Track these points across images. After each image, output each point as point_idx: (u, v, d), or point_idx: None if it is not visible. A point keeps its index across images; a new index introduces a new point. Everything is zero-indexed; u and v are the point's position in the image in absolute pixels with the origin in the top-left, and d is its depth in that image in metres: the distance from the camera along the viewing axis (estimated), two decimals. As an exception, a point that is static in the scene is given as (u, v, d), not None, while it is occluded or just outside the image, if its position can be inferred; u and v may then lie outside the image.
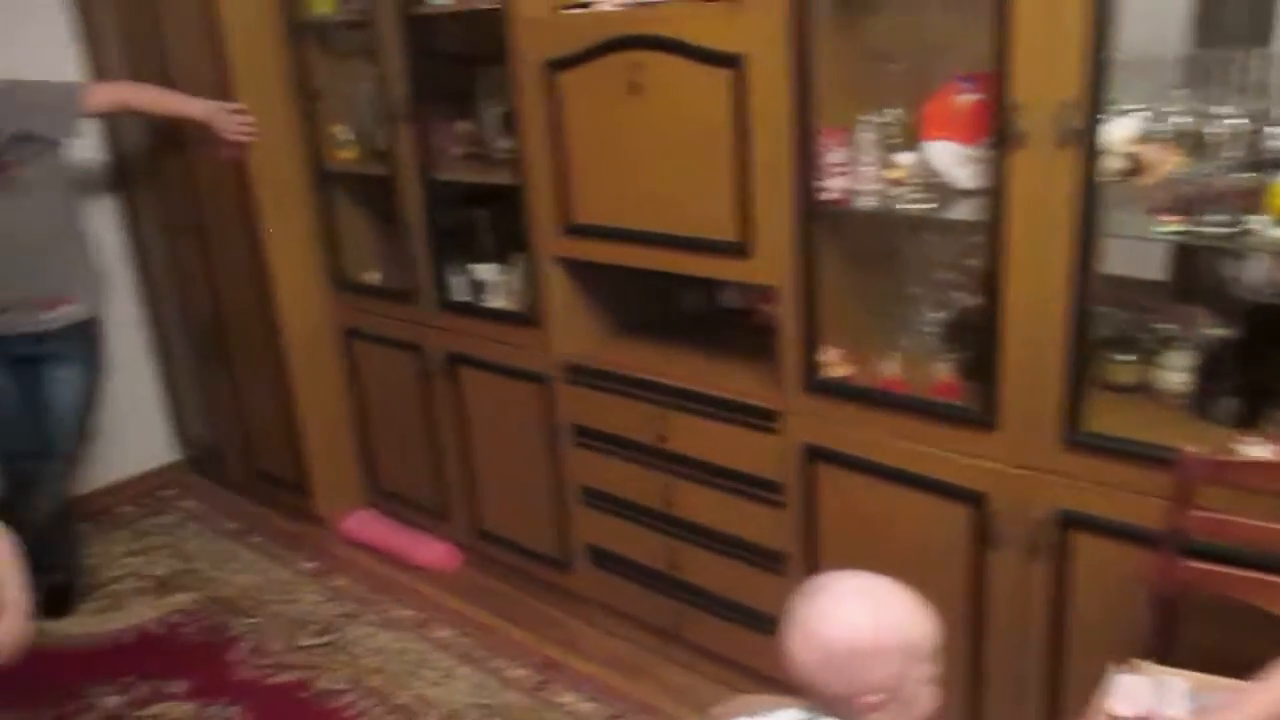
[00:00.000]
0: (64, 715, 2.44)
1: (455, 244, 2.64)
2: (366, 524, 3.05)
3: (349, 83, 2.78)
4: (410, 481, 2.97)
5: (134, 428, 3.52)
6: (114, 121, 3.12)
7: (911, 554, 1.85)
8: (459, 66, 2.59)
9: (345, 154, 2.79)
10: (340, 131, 2.78)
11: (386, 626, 2.68)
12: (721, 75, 1.89)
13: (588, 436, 2.41)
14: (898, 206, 1.83)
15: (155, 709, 2.45)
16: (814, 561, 2.04)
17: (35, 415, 2.76)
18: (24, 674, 2.59)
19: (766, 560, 2.15)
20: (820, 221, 1.89)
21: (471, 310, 2.59)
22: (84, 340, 2.81)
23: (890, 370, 1.93)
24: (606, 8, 2.12)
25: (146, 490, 3.53)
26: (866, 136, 1.82)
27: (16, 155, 2.57)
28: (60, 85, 2.78)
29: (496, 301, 2.56)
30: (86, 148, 2.98)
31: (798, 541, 2.08)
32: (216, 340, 3.20)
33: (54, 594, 2.88)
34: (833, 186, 1.86)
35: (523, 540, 2.69)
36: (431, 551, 2.89)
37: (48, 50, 3.11)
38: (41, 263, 2.68)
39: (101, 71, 3.17)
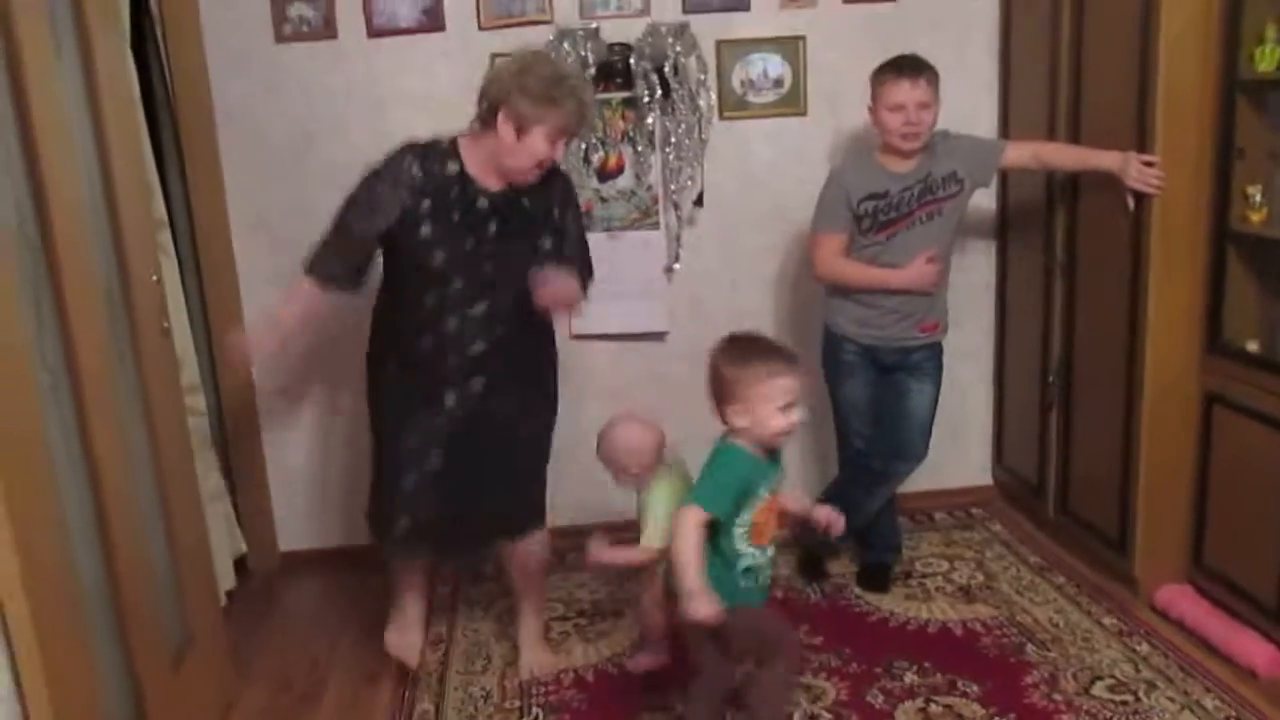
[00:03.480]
0: (873, 676, 2.76)
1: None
2: (1182, 599, 2.89)
3: (1276, 142, 2.65)
4: (1244, 569, 2.74)
5: (959, 446, 3.80)
6: (1011, 174, 3.40)
7: None
8: None
9: (1255, 216, 2.67)
10: (1254, 192, 2.67)
11: (1190, 709, 2.52)
12: None
13: None
14: None
15: (948, 700, 2.63)
16: None
17: (895, 420, 3.13)
18: (849, 630, 3.00)
19: None
20: None
21: (1379, 401, 2.31)
22: (937, 360, 3.14)
23: None
24: None
25: (959, 504, 3.80)
26: None
27: (945, 191, 2.95)
28: (985, 140, 3.16)
29: None
30: (981, 196, 3.28)
31: None
32: (1061, 380, 3.30)
33: (877, 570, 3.26)
34: None
35: (1383, 673, 2.33)
36: (1255, 650, 2.64)
37: (970, 106, 3.50)
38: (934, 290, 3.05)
39: (1013, 122, 3.48)
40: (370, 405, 2.76)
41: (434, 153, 2.54)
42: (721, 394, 2.21)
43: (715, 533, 2.20)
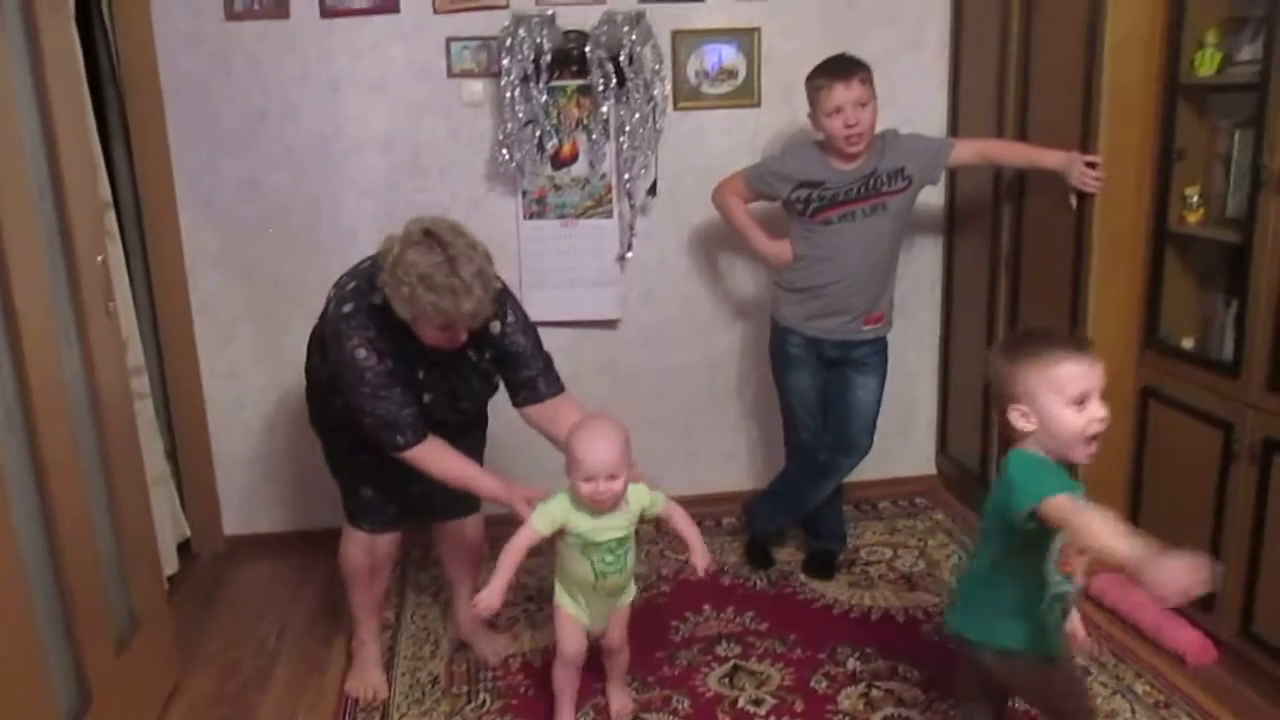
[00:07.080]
0: (817, 662, 2.81)
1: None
2: (1117, 587, 2.98)
3: (1214, 145, 2.74)
4: (1176, 559, 2.83)
5: (905, 435, 3.88)
6: (960, 170, 3.45)
7: None
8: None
9: (1192, 216, 2.75)
10: (1192, 193, 2.75)
11: (1121, 694, 2.61)
12: None
13: None
14: None
15: (890, 685, 2.69)
16: None
17: (840, 414, 3.18)
18: (795, 616, 3.04)
19: None
20: None
21: (1307, 398, 2.40)
22: (881, 354, 3.19)
23: None
24: None
25: (904, 493, 3.88)
26: None
27: (891, 187, 3.00)
28: (934, 139, 3.21)
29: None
30: (929, 192, 3.32)
31: None
32: (1005, 373, 3.37)
33: (822, 558, 3.32)
34: None
35: (1303, 659, 2.43)
36: (1185, 637, 2.73)
37: (922, 102, 3.59)
38: (880, 281, 3.11)
39: (963, 120, 3.55)
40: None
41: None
42: (1001, 394, 1.86)
43: (1027, 550, 1.84)
